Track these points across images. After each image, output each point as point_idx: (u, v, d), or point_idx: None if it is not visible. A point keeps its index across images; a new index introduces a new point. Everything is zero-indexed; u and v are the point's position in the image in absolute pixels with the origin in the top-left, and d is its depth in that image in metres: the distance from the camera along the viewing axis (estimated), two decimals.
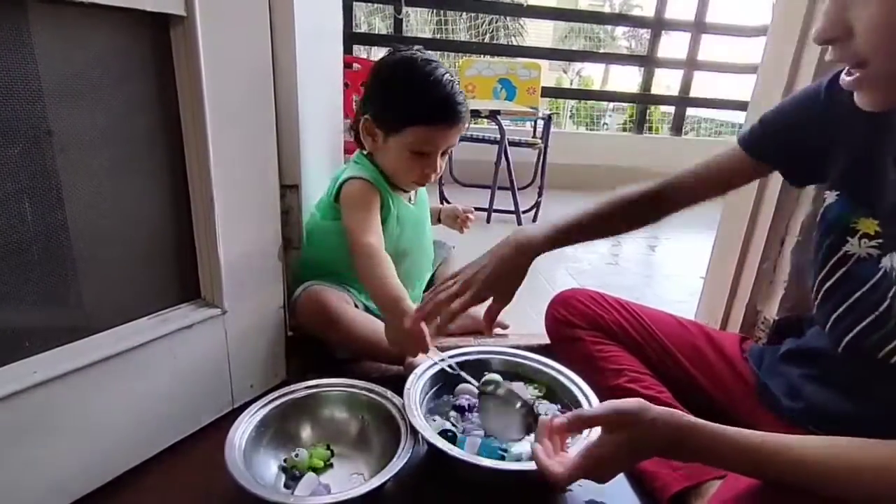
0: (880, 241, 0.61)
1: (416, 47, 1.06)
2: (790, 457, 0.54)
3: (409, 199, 1.16)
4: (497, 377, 0.91)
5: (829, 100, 0.67)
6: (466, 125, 1.07)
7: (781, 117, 0.74)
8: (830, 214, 0.67)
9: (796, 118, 0.72)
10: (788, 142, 0.72)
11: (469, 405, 0.89)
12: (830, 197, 0.68)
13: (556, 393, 0.92)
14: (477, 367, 0.96)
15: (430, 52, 1.05)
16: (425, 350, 0.82)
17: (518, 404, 0.78)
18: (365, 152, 1.09)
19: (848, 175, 0.66)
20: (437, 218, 1.35)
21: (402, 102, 1.01)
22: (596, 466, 0.61)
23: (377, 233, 0.99)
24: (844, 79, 0.54)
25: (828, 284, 0.66)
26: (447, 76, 1.01)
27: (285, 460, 0.76)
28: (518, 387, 0.92)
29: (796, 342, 0.76)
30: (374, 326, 1.02)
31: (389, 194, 1.07)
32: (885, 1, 0.47)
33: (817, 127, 0.69)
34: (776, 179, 1.01)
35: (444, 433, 0.79)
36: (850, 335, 0.62)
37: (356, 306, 1.07)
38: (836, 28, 0.51)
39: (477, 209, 2.21)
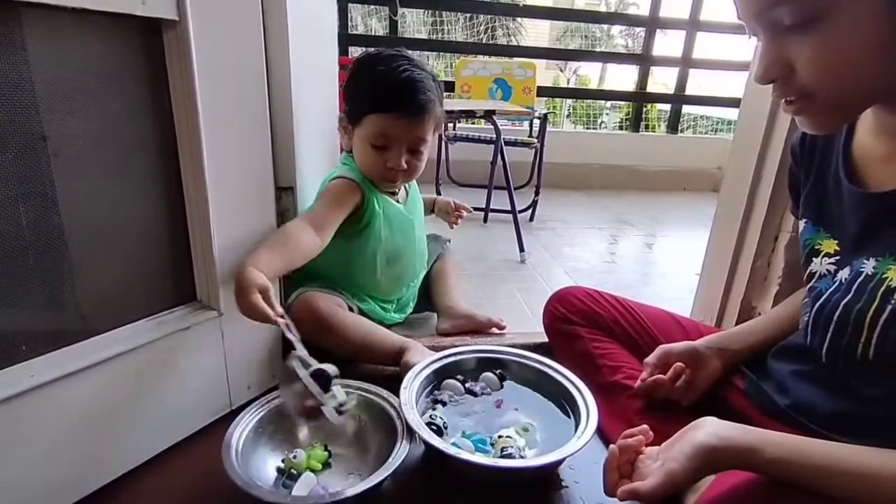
0: (838, 258, 0.65)
1: (398, 49, 1.07)
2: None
3: (398, 198, 1.15)
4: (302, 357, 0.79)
5: (793, 159, 0.76)
6: (433, 121, 1.04)
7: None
8: (802, 240, 0.71)
9: (791, 178, 0.79)
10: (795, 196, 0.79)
11: (449, 399, 0.91)
12: (801, 224, 0.73)
13: (552, 391, 0.93)
14: (476, 367, 0.97)
15: (419, 51, 1.05)
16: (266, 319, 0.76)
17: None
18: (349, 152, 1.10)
19: (809, 201, 0.72)
20: (430, 208, 1.35)
21: (360, 92, 1.03)
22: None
23: (317, 224, 0.94)
24: (786, 108, 0.57)
25: (805, 301, 0.70)
26: (406, 66, 1.01)
27: (283, 461, 0.77)
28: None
29: (786, 359, 0.76)
30: (368, 329, 1.03)
31: (374, 194, 1.07)
32: (822, 40, 0.50)
33: (796, 176, 0.76)
34: (769, 176, 1.02)
35: (429, 425, 0.80)
36: (825, 344, 0.64)
37: (350, 310, 1.07)
38: (776, 68, 0.54)
39: (474, 209, 2.23)
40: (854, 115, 0.61)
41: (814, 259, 0.68)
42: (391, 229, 1.10)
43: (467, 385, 0.94)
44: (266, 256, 0.82)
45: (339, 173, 1.06)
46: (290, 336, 0.78)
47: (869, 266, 0.60)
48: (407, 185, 1.19)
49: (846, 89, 0.53)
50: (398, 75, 1.00)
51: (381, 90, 1.00)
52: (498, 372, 0.96)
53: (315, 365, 0.77)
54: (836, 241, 0.66)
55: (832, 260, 0.66)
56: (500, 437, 0.81)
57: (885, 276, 0.57)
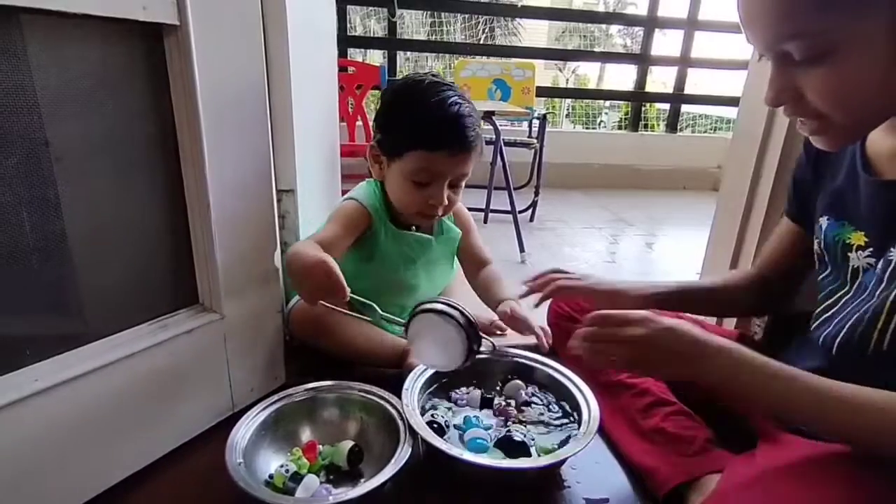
0: (871, 249, 0.65)
1: (431, 73, 1.01)
2: (809, 384, 0.56)
3: (425, 230, 1.08)
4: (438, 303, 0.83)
5: (806, 157, 0.77)
6: (478, 155, 0.98)
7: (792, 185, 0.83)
8: (827, 238, 0.71)
9: (797, 185, 0.81)
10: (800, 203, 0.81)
11: (458, 399, 0.91)
12: (823, 222, 0.72)
13: (553, 390, 0.93)
14: (476, 368, 0.97)
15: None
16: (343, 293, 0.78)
17: (455, 323, 0.79)
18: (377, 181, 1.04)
19: (825, 198, 0.72)
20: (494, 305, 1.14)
21: (402, 125, 0.96)
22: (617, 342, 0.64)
23: (325, 247, 0.87)
24: (800, 127, 0.59)
25: (846, 297, 0.68)
26: (455, 99, 0.94)
27: (273, 473, 0.75)
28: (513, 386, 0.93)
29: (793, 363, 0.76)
30: (369, 332, 1.02)
31: (385, 225, 1.02)
32: (831, 72, 0.52)
33: (808, 183, 0.78)
34: (768, 174, 1.02)
35: (430, 424, 0.80)
36: (841, 334, 0.64)
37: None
38: (786, 94, 0.56)
39: (474, 209, 2.23)
40: (865, 132, 0.63)
41: (850, 254, 0.67)
42: (403, 262, 1.05)
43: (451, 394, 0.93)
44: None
45: (354, 195, 1.01)
46: None
47: (895, 255, 0.60)
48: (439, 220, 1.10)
49: (854, 114, 0.55)
50: (445, 110, 0.93)
51: (428, 126, 0.93)
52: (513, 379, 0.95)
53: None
54: (863, 233, 0.66)
55: (867, 252, 0.65)
56: (508, 430, 0.82)
57: None
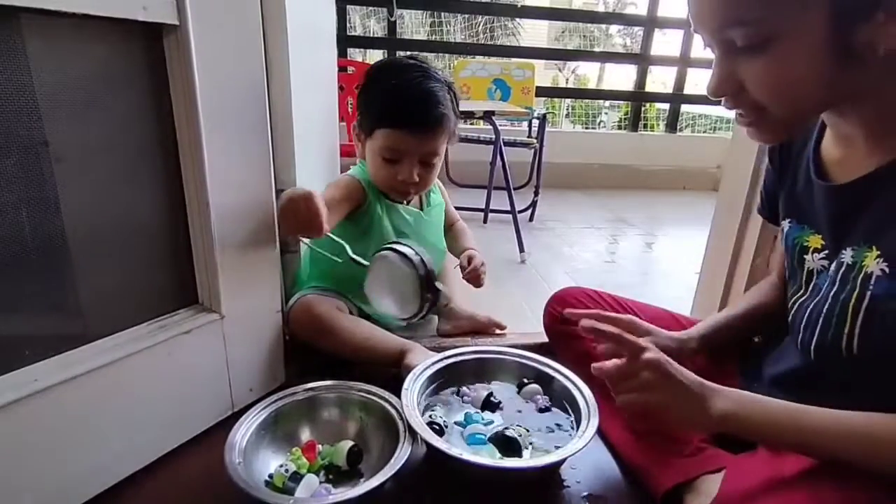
0: (827, 251, 0.67)
1: (413, 55, 1.06)
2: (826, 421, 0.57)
3: (413, 204, 1.13)
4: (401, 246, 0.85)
5: (770, 161, 0.79)
6: (447, 134, 1.02)
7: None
8: (788, 241, 0.73)
9: (766, 189, 0.84)
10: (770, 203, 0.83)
11: (465, 395, 0.91)
12: (785, 224, 0.74)
13: (552, 391, 0.93)
14: (475, 368, 0.97)
15: (425, 55, 1.05)
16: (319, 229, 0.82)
17: (412, 267, 0.80)
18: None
19: (789, 201, 0.74)
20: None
21: (372, 104, 1.00)
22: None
23: (325, 201, 0.89)
24: (738, 119, 0.60)
25: (801, 300, 0.70)
26: (423, 79, 0.97)
27: (273, 473, 0.75)
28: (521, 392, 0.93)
29: (776, 366, 0.76)
30: (368, 332, 1.03)
31: (378, 199, 1.06)
32: (770, 62, 0.53)
33: (772, 183, 0.80)
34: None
35: (429, 425, 0.80)
36: (814, 340, 0.65)
37: (350, 313, 1.07)
38: (727, 84, 0.57)
39: (474, 210, 2.24)
40: (800, 127, 0.65)
41: (805, 256, 0.70)
42: (396, 236, 1.08)
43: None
44: None
45: (350, 172, 1.07)
46: None
47: (848, 256, 0.62)
48: (425, 192, 1.15)
49: (792, 106, 0.56)
50: (410, 88, 0.96)
51: (392, 104, 0.97)
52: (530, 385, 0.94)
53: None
54: (820, 236, 0.68)
55: (822, 255, 0.67)
56: (506, 429, 0.82)
57: (862, 263, 0.59)
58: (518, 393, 0.93)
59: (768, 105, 0.56)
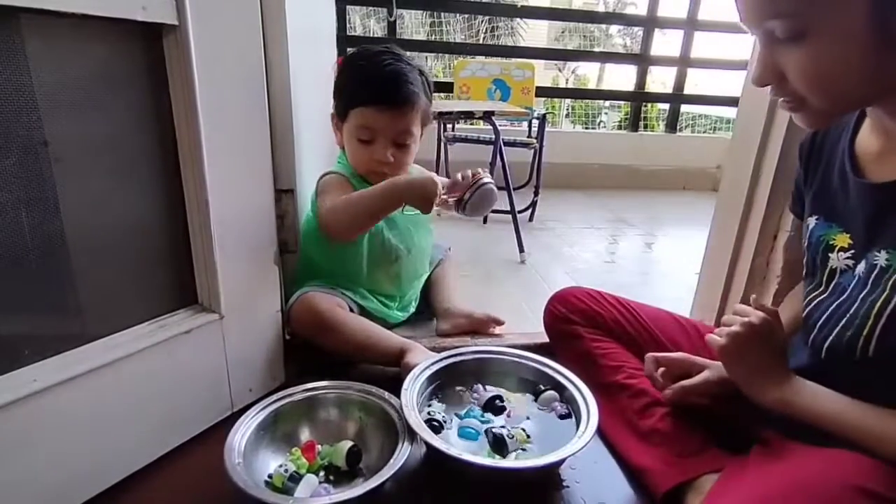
0: (853, 251, 0.66)
1: (387, 45, 1.08)
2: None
3: None
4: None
5: (799, 157, 0.78)
6: (418, 113, 1.04)
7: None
8: (813, 237, 0.72)
9: (797, 185, 0.81)
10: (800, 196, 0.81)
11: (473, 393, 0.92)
12: (811, 221, 0.73)
13: (554, 391, 0.93)
14: (475, 368, 0.97)
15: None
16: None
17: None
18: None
19: (817, 198, 0.73)
20: None
21: (345, 86, 1.04)
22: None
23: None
24: (783, 105, 0.60)
25: (820, 298, 0.69)
26: (391, 61, 1.02)
27: (272, 473, 0.75)
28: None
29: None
30: (369, 330, 1.03)
31: (362, 186, 1.06)
32: (810, 53, 0.53)
33: (801, 184, 0.78)
34: (767, 174, 1.02)
35: (428, 422, 0.80)
36: (830, 338, 0.65)
37: (351, 310, 1.07)
38: (769, 74, 0.57)
39: None
40: (844, 115, 0.65)
41: (830, 255, 0.68)
42: (386, 224, 1.10)
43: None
44: None
45: (331, 169, 1.09)
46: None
47: (882, 258, 0.60)
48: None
49: (833, 97, 0.56)
50: (381, 68, 1.01)
51: (364, 83, 1.02)
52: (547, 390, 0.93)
53: None
54: (849, 235, 0.67)
55: (848, 254, 0.66)
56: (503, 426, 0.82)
57: None
58: (535, 401, 0.92)
59: (808, 96, 0.56)
